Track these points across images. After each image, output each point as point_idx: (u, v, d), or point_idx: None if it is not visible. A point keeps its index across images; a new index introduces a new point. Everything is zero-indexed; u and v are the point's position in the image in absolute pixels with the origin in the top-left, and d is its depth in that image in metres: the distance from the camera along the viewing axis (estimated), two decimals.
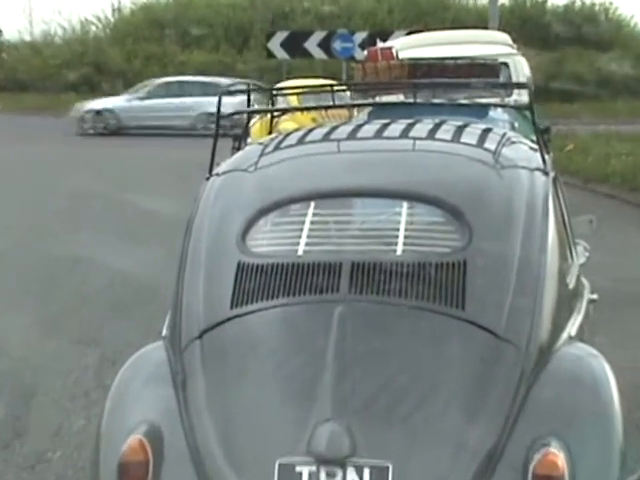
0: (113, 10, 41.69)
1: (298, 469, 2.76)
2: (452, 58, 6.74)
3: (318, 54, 30.93)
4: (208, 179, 3.74)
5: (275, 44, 31.56)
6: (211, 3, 40.21)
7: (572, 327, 3.41)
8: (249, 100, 4.36)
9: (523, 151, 3.81)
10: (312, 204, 3.39)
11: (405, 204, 3.35)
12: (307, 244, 3.29)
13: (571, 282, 3.69)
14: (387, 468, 2.76)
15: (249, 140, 4.36)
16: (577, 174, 15.51)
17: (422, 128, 3.91)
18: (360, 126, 4.05)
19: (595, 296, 4.25)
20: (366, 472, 2.76)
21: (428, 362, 2.96)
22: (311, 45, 30.92)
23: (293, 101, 13.51)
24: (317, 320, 3.04)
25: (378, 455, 2.77)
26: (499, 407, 2.87)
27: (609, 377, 3.04)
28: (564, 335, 3.26)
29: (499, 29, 18.14)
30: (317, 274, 3.12)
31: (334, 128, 4.00)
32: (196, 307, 3.21)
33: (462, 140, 3.77)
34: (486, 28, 19.32)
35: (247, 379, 3.01)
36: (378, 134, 3.90)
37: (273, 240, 3.37)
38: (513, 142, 3.87)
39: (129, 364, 3.28)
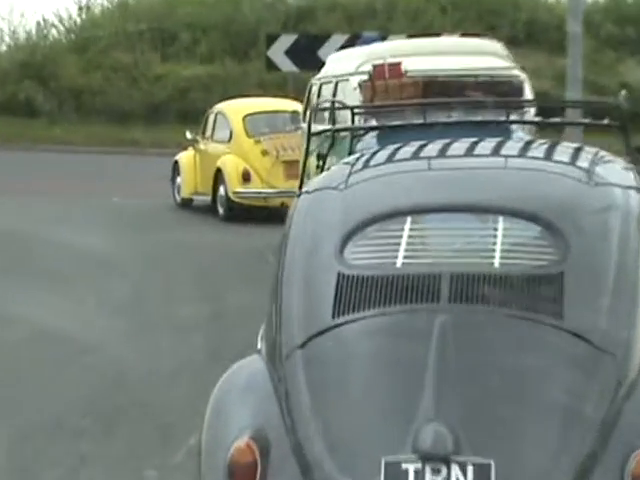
0: (79, 9, 31.94)
1: (404, 466, 3.02)
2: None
3: None
4: (298, 196, 4.03)
5: (278, 52, 23.27)
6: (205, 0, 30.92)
7: None
8: (334, 119, 5.42)
9: (616, 169, 4.05)
10: (409, 219, 3.65)
11: (501, 219, 3.61)
12: (405, 257, 3.53)
13: None
14: (489, 465, 3.01)
15: None
16: None
17: (513, 146, 4.34)
18: (449, 144, 4.24)
19: None
20: (469, 469, 3.01)
21: (527, 368, 3.22)
22: (327, 53, 22.19)
23: (238, 123, 14.60)
24: (419, 327, 3.29)
25: (481, 453, 3.02)
26: (596, 414, 3.13)
27: None
28: None
29: (584, 33, 16.32)
30: (417, 284, 3.37)
31: (422, 146, 4.23)
32: (296, 318, 3.48)
33: (554, 158, 4.08)
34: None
35: (350, 383, 3.29)
36: (469, 152, 4.15)
37: (371, 253, 3.60)
38: (606, 161, 4.09)
39: (226, 376, 3.59)
